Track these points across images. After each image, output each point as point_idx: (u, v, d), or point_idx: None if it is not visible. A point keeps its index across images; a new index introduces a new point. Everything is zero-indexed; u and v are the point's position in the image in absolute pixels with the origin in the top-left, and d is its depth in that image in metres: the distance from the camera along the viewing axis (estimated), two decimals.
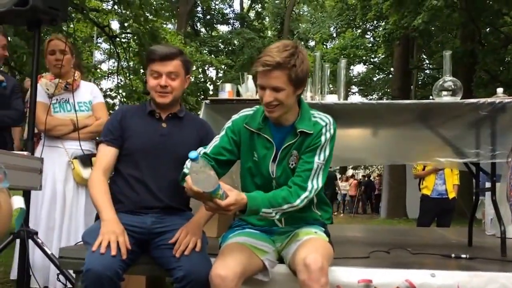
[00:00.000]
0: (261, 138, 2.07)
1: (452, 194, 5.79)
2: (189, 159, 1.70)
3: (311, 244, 1.95)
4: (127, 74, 9.64)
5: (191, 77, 2.42)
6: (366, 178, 23.30)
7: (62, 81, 3.16)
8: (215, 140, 2.12)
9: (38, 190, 2.54)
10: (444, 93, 2.64)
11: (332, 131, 2.04)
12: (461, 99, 2.68)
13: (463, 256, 2.58)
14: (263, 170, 2.07)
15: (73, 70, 3.23)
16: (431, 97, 2.80)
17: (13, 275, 2.98)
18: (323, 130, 2.03)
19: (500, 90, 2.66)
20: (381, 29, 16.48)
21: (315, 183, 2.00)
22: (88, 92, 3.30)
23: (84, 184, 3.09)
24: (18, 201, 1.22)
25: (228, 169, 2.15)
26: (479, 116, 2.61)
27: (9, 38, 4.45)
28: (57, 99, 3.18)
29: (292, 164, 2.05)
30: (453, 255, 2.61)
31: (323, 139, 2.01)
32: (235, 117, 2.16)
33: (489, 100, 2.51)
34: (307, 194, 1.98)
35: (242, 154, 2.12)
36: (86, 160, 3.09)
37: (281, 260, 2.11)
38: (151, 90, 2.25)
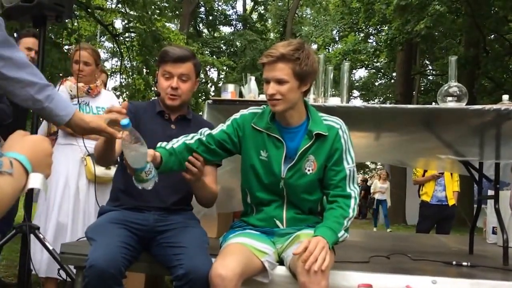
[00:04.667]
0: (271, 138, 2.06)
1: (452, 201, 5.75)
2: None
3: None
4: (130, 73, 9.63)
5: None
6: (365, 183, 23.22)
7: (85, 85, 3.29)
8: (221, 127, 2.12)
9: None
10: (449, 98, 2.62)
11: (347, 131, 2.07)
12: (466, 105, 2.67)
13: (465, 263, 2.55)
14: (274, 169, 2.06)
15: (96, 79, 3.39)
16: (434, 103, 2.78)
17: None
18: (340, 133, 2.05)
19: (506, 97, 2.63)
20: (383, 33, 16.43)
21: (353, 187, 2.04)
22: (108, 100, 3.41)
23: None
24: (34, 180, 0.94)
25: (217, 159, 2.17)
26: (484, 122, 2.60)
27: None
28: (78, 102, 3.21)
29: (309, 170, 2.05)
30: (454, 263, 2.58)
31: (343, 141, 2.04)
32: (243, 111, 2.15)
33: (495, 106, 2.50)
34: (354, 201, 2.01)
35: (246, 151, 2.10)
36: None
37: (281, 262, 2.09)
38: (162, 91, 2.25)
